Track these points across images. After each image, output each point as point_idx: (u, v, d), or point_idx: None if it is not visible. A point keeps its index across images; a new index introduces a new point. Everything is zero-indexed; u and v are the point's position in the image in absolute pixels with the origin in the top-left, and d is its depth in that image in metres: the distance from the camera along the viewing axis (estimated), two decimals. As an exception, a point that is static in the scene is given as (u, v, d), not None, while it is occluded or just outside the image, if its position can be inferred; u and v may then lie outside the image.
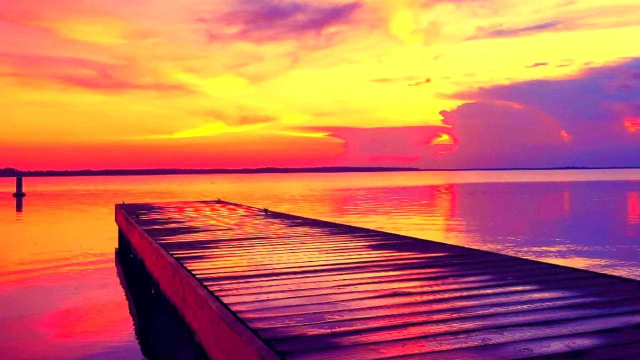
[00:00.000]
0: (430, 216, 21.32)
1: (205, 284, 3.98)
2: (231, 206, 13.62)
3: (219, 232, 7.61)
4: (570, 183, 65.88)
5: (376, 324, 2.87)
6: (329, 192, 47.02)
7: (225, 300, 3.46)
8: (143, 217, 10.14)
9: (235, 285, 3.92)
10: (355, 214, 22.52)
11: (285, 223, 8.86)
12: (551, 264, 4.69)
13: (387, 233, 7.39)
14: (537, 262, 4.84)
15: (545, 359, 2.32)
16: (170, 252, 5.56)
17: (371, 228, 8.35)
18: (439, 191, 47.54)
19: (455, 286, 3.81)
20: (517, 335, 2.65)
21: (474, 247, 6.30)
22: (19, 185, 43.60)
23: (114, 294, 8.26)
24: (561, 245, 12.39)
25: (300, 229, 7.86)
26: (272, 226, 8.38)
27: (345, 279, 4.12)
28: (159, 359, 5.48)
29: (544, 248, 11.97)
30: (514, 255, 5.58)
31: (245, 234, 7.33)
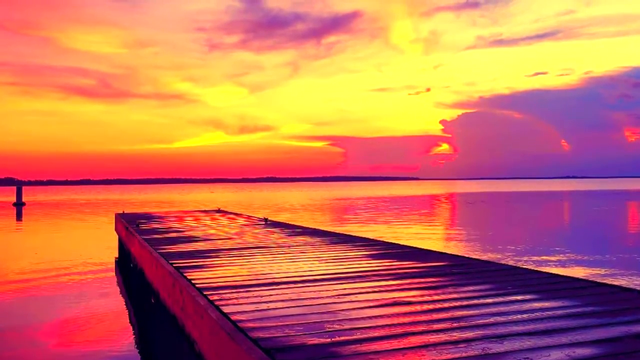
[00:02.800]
0: (430, 225, 21.31)
1: (205, 293, 3.98)
2: (231, 215, 13.62)
3: (219, 242, 7.61)
4: (570, 192, 65.87)
5: (376, 333, 2.87)
6: (328, 202, 47.00)
7: (225, 309, 3.46)
8: (143, 227, 10.14)
9: (235, 295, 3.93)
10: (355, 223, 22.51)
11: (285, 232, 8.86)
12: (551, 273, 4.69)
13: (387, 242, 7.39)
14: (537, 271, 4.85)
15: (545, 368, 2.32)
16: (170, 262, 5.56)
17: (371, 237, 8.35)
18: (439, 200, 47.53)
19: (456, 295, 3.82)
20: (517, 344, 2.66)
21: (474, 257, 6.29)
22: (19, 194, 43.55)
23: (114, 303, 8.25)
24: (561, 255, 12.38)
25: (300, 238, 7.86)
26: (272, 235, 8.38)
27: (345, 288, 4.12)
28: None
29: (544, 257, 11.96)
30: (514, 265, 5.58)
31: (245, 244, 7.34)
